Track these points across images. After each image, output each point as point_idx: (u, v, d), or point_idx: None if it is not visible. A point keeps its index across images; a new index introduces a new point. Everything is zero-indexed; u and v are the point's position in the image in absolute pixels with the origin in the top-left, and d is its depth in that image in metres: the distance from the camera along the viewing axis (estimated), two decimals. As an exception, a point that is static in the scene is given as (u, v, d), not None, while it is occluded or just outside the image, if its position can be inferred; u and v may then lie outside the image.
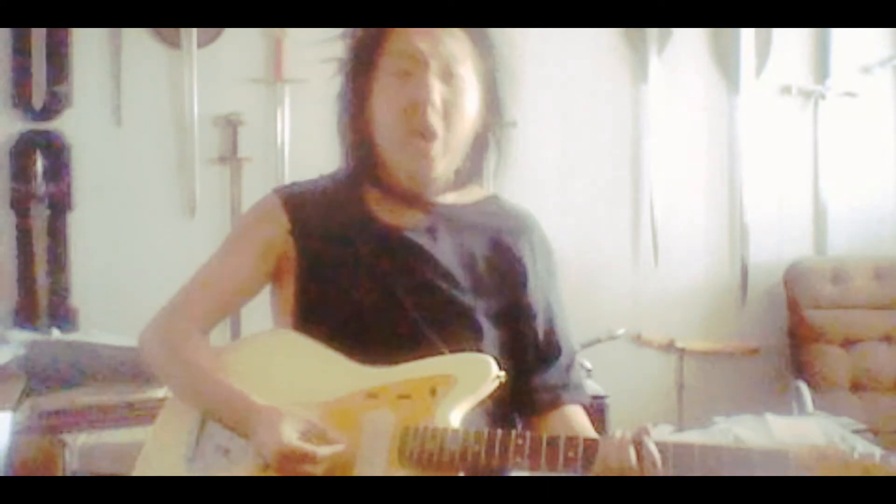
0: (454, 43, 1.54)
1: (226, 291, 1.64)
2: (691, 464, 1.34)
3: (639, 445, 1.35)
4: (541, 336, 1.61)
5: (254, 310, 1.70)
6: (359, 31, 1.59)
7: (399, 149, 1.55)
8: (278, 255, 1.61)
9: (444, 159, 1.56)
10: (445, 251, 1.57)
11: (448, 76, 1.54)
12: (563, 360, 1.62)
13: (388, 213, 1.60)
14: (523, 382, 1.58)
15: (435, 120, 1.53)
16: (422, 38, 1.52)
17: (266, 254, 1.61)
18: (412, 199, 1.59)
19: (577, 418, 1.60)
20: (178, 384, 1.64)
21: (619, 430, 1.39)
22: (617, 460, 1.35)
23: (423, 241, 1.57)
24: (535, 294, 1.61)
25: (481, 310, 1.55)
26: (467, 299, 1.55)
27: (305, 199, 1.63)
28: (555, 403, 1.59)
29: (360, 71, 1.57)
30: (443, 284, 1.55)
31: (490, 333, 1.55)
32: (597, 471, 1.36)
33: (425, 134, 1.53)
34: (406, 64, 1.53)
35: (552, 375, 1.61)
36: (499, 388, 1.49)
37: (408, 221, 1.59)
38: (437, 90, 1.52)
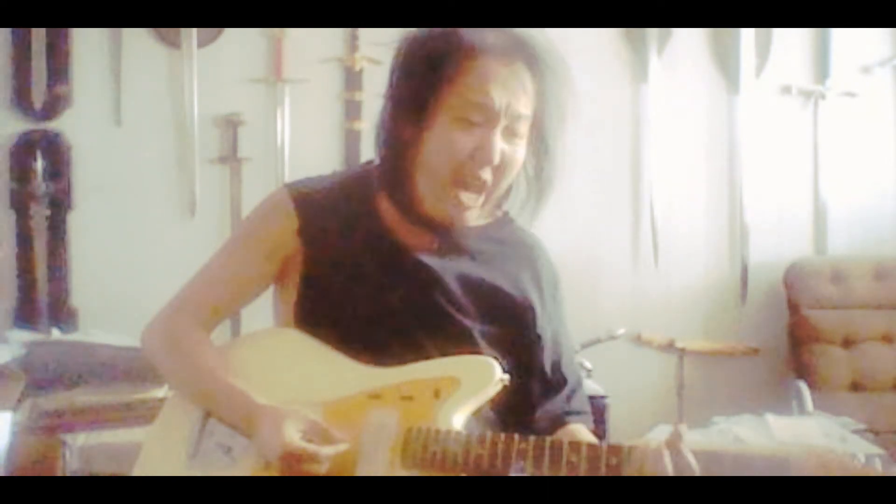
0: (524, 97, 1.48)
1: (230, 290, 1.63)
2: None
3: (676, 454, 1.33)
4: (547, 367, 1.60)
5: (254, 308, 1.69)
6: (430, 52, 1.47)
7: (441, 193, 1.51)
8: (284, 256, 1.59)
9: (482, 206, 1.55)
10: (452, 274, 1.56)
11: (511, 135, 1.50)
12: (566, 390, 1.62)
13: (400, 231, 1.58)
14: (526, 413, 1.57)
15: (488, 176, 1.50)
16: (498, 92, 1.45)
17: (272, 254, 1.60)
18: (429, 224, 1.56)
19: (578, 436, 1.57)
20: (180, 382, 1.63)
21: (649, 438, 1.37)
22: (653, 468, 1.33)
23: (431, 262, 1.56)
24: (544, 326, 1.60)
25: (481, 334, 1.55)
26: (468, 322, 1.54)
27: (317, 200, 1.60)
28: (555, 427, 1.59)
29: (421, 100, 1.48)
30: (447, 306, 1.54)
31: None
32: (629, 473, 1.34)
33: (474, 187, 1.50)
34: (476, 115, 1.46)
35: (554, 405, 1.60)
36: (502, 410, 1.48)
37: (419, 242, 1.57)
38: (499, 149, 1.48)
